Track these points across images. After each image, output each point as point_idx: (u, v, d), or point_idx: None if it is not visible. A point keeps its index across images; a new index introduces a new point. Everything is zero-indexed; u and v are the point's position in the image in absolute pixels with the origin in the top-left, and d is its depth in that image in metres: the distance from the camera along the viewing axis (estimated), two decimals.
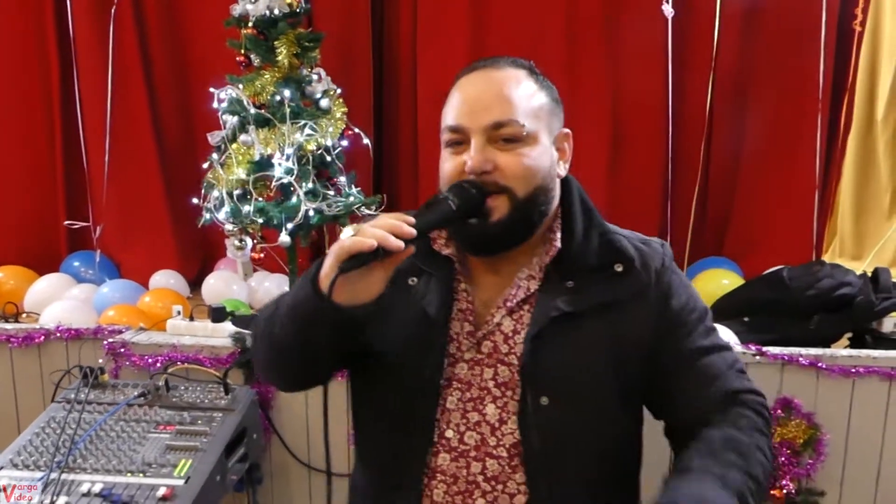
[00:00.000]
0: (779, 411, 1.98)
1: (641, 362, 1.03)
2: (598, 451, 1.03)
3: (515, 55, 3.31)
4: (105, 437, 1.75)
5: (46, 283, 2.84)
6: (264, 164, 2.23)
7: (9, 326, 2.29)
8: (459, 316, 1.06)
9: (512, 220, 1.00)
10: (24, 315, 2.65)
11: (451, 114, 1.02)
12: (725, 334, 2.07)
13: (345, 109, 2.40)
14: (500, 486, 1.02)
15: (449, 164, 1.02)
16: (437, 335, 1.04)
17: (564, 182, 1.10)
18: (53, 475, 1.61)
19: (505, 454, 1.02)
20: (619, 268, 1.04)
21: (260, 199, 2.23)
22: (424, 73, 3.04)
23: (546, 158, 1.02)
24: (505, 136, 0.99)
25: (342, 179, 2.40)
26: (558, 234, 1.06)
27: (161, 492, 1.56)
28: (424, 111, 3.01)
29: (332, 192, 2.31)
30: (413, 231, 0.89)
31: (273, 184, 2.22)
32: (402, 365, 1.04)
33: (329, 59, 2.81)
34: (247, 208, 2.18)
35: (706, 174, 3.02)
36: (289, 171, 2.19)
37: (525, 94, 1.01)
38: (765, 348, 1.98)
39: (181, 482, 1.60)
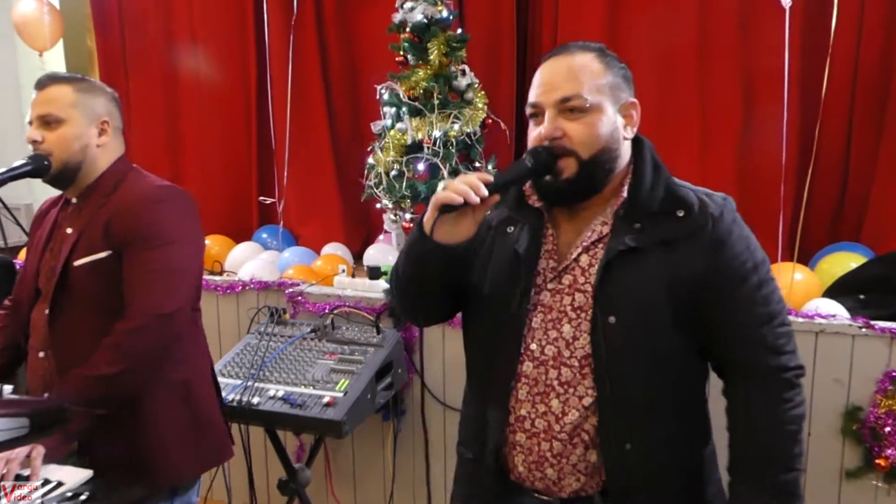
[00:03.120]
0: (888, 385, 2.06)
1: (694, 292, 1.20)
2: (654, 362, 1.22)
3: (651, 52, 3.44)
4: (286, 360, 2.22)
5: (241, 250, 3.45)
6: (415, 148, 2.63)
7: (216, 278, 2.89)
8: (545, 255, 1.29)
9: (579, 177, 1.22)
10: (225, 273, 3.26)
11: (531, 93, 1.27)
12: (835, 308, 2.17)
13: (486, 101, 2.74)
14: (571, 390, 1.23)
15: (532, 134, 1.26)
16: (525, 269, 1.27)
17: (637, 143, 1.29)
18: (249, 383, 2.11)
19: (577, 364, 1.23)
20: (680, 213, 1.22)
21: (411, 177, 2.62)
22: None
23: (609, 125, 1.23)
24: (571, 107, 1.21)
25: (483, 162, 2.74)
26: (626, 186, 1.26)
27: (325, 400, 2.00)
28: None
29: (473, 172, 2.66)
30: (485, 191, 1.15)
31: (422, 165, 2.61)
32: (498, 293, 1.28)
33: (476, 57, 3.17)
34: (399, 184, 2.58)
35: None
36: (436, 154, 2.57)
37: (589, 73, 1.22)
38: (872, 322, 2.05)
39: (341, 394, 2.03)
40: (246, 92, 3.91)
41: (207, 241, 3.62)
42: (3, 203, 2.22)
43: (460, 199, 1.14)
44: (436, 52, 2.68)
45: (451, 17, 2.73)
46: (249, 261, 3.24)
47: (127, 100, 4.22)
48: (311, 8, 3.62)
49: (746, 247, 1.23)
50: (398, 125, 2.63)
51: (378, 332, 2.31)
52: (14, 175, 1.58)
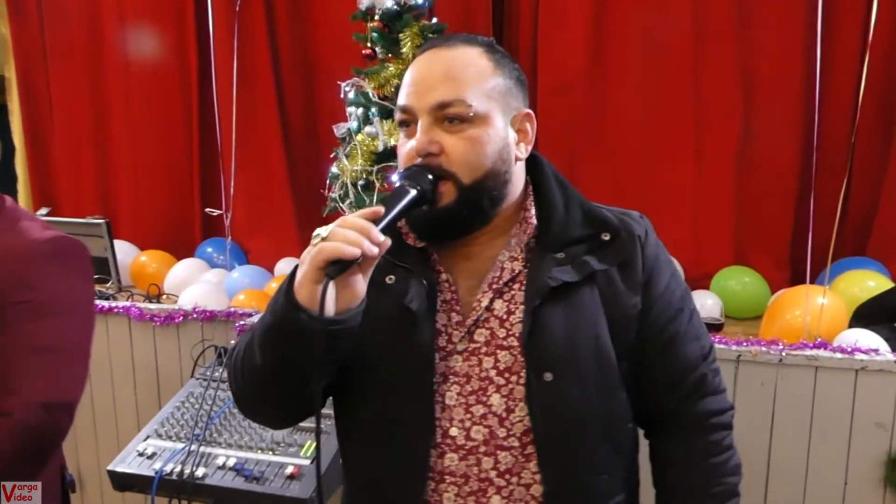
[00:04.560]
0: None
1: (631, 330, 1.01)
2: (603, 429, 1.00)
3: (640, 47, 3.23)
4: (237, 415, 1.84)
5: (183, 268, 3.04)
6: (387, 154, 2.27)
7: (153, 307, 2.47)
8: (444, 307, 1.01)
9: (459, 206, 0.96)
10: (164, 296, 2.84)
11: (402, 94, 1.00)
12: (875, 342, 1.91)
13: None
14: (514, 479, 0.97)
15: (403, 149, 0.99)
16: (423, 330, 0.98)
17: (534, 162, 1.06)
18: (193, 447, 1.72)
19: (517, 444, 0.96)
20: (605, 236, 1.01)
21: (383, 189, 2.26)
22: (545, 65, 2.99)
23: (498, 141, 0.98)
24: (450, 115, 0.95)
25: None
26: (532, 212, 1.03)
27: (289, 470, 1.63)
28: (544, 102, 2.96)
29: None
30: (380, 236, 0.86)
31: (395, 175, 2.25)
32: (390, 367, 0.98)
33: None
34: (370, 198, 2.22)
35: (851, 169, 2.80)
36: None
37: (475, 73, 0.97)
38: None
39: (307, 462, 1.66)
40: (186, 88, 3.48)
41: (143, 258, 3.21)
42: None
43: (355, 252, 0.83)
44: (409, 43, 2.32)
45: (426, 4, 2.37)
46: (192, 282, 2.83)
47: (47, 94, 3.73)
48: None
49: (672, 272, 1.06)
50: (367, 129, 2.26)
51: None
52: None
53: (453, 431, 0.97)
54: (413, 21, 2.35)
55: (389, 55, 2.40)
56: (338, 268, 0.83)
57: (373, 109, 2.30)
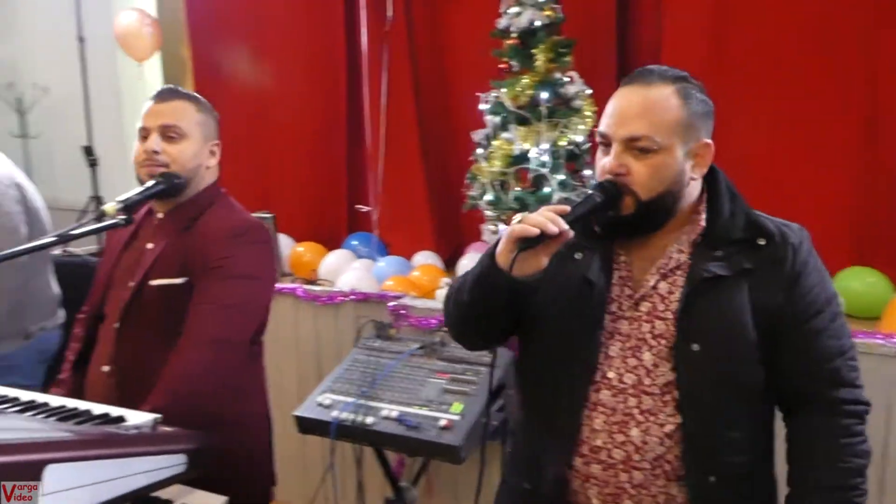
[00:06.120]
0: None
1: (772, 324, 1.22)
2: (738, 393, 1.23)
3: (760, 58, 3.22)
4: (395, 377, 2.18)
5: (335, 257, 3.44)
6: (522, 157, 2.54)
7: (316, 289, 2.87)
8: (619, 282, 1.30)
9: (637, 217, 1.23)
10: (319, 282, 3.25)
11: (602, 121, 1.26)
12: None
13: (594, 109, 2.63)
14: (652, 418, 1.23)
15: (599, 163, 1.27)
16: (598, 296, 1.27)
17: (712, 173, 1.29)
18: (362, 402, 2.07)
19: (658, 391, 1.23)
20: (761, 241, 1.24)
21: (518, 188, 2.54)
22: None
23: (676, 167, 1.22)
24: (638, 147, 1.20)
25: (587, 172, 2.64)
26: (703, 216, 1.28)
27: (442, 423, 1.94)
28: None
29: (579, 184, 2.56)
30: (564, 224, 1.14)
31: (529, 175, 2.52)
32: (567, 322, 1.29)
33: (576, 61, 3.05)
34: (506, 197, 2.51)
35: None
36: (543, 164, 2.48)
37: (663, 110, 1.21)
38: None
39: (457, 417, 1.96)
40: (335, 101, 3.89)
41: (300, 249, 3.64)
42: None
43: (536, 231, 1.12)
44: (542, 57, 2.58)
45: (558, 22, 2.63)
46: (343, 269, 3.23)
47: (220, 109, 4.26)
48: (402, 15, 3.58)
49: (821, 279, 1.27)
50: (504, 135, 2.54)
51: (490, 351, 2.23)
52: (148, 196, 1.57)
53: (610, 374, 1.26)
54: (546, 37, 2.61)
55: (523, 68, 2.68)
56: (524, 245, 1.13)
57: (509, 117, 2.58)
